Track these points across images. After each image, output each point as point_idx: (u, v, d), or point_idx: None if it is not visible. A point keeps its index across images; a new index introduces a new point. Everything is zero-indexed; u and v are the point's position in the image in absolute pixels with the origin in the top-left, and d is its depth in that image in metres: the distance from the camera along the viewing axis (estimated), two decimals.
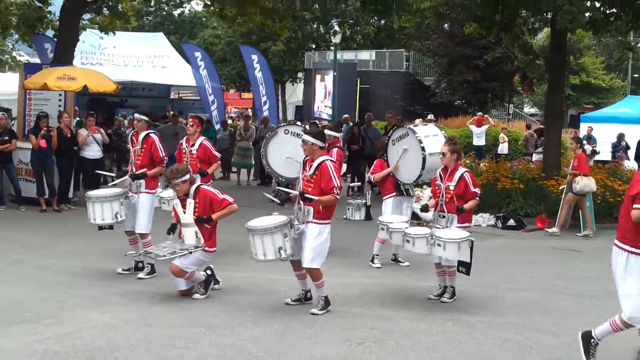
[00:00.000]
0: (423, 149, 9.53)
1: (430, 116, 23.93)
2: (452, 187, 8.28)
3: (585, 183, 13.50)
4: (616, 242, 6.08)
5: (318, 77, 37.36)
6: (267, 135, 11.18)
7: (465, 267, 7.99)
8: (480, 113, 27.91)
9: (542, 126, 23.80)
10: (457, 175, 8.30)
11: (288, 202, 8.48)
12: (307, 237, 7.73)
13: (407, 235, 8.32)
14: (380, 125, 22.66)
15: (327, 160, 7.84)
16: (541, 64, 20.10)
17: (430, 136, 9.82)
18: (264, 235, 7.63)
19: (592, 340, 6.30)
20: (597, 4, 15.25)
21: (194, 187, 8.28)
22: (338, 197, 7.80)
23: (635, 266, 5.93)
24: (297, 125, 10.93)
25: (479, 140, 25.04)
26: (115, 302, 8.07)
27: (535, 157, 20.24)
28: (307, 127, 10.62)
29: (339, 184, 7.76)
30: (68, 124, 14.98)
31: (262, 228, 7.64)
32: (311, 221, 7.74)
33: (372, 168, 10.93)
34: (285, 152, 10.63)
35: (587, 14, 14.58)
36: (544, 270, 10.74)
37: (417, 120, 10.54)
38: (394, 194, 10.56)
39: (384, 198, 10.75)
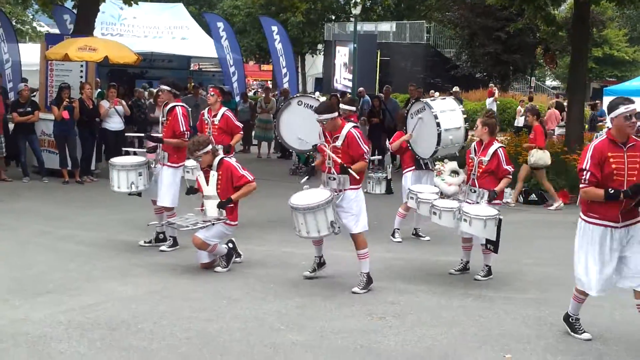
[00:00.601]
0: (438, 124, 9.36)
1: (456, 89, 23.78)
2: (485, 162, 8.22)
3: (540, 156, 13.54)
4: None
5: (338, 48, 37.15)
6: (281, 106, 11.13)
7: (492, 244, 7.95)
8: (491, 84, 27.80)
9: (558, 100, 23.67)
10: (491, 150, 8.24)
11: (313, 174, 8.44)
12: (349, 204, 7.74)
13: (434, 207, 8.24)
14: (401, 98, 22.57)
15: (351, 128, 7.83)
16: (564, 35, 19.84)
17: (447, 111, 9.64)
18: (317, 211, 7.54)
19: (570, 318, 6.58)
20: None
21: (217, 159, 8.30)
22: (367, 160, 7.92)
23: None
24: (311, 96, 10.86)
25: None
26: (138, 274, 8.15)
27: (557, 131, 20.08)
28: (318, 99, 10.48)
29: (367, 149, 7.87)
30: (90, 95, 15.03)
31: (315, 205, 7.52)
32: (349, 188, 7.76)
33: (391, 139, 10.82)
34: (298, 124, 10.55)
35: None
36: (566, 245, 10.54)
37: (436, 94, 10.37)
38: (413, 167, 10.48)
39: (403, 172, 10.69)
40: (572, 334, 6.49)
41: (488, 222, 7.76)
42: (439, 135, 9.37)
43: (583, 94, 17.78)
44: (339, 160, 7.68)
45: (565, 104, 25.09)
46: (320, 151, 8.09)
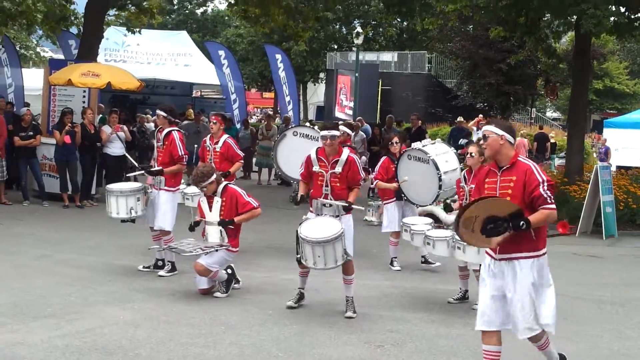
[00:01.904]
0: (437, 167, 9.42)
1: (460, 119, 23.92)
2: None
3: None
4: None
5: (340, 77, 37.34)
6: (277, 138, 11.18)
7: None
8: (481, 115, 27.86)
9: (542, 131, 23.77)
10: None
11: (304, 201, 8.44)
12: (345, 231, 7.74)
13: (428, 237, 8.33)
14: (402, 127, 22.68)
15: (350, 153, 7.93)
16: (565, 67, 20.00)
17: (441, 154, 9.72)
18: (336, 243, 7.47)
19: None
20: (622, 9, 15.14)
21: (222, 185, 8.33)
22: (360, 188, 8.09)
23: None
24: (306, 126, 10.92)
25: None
26: (137, 299, 8.13)
27: (557, 162, 20.13)
28: (315, 127, 10.53)
29: (363, 175, 8.05)
30: (92, 120, 15.10)
31: (332, 237, 7.44)
32: (344, 215, 7.84)
33: (376, 169, 10.41)
34: (295, 155, 10.57)
35: (611, 19, 14.49)
36: (565, 275, 10.64)
37: (425, 141, 10.31)
38: (394, 198, 10.34)
39: (383, 202, 10.60)
40: None
41: (481, 250, 7.75)
42: (440, 178, 9.40)
43: (584, 126, 17.87)
44: (344, 203, 7.80)
45: (551, 135, 25.32)
46: (313, 176, 8.01)
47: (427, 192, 9.76)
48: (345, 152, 7.88)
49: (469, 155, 8.48)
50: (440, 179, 9.41)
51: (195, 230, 8.64)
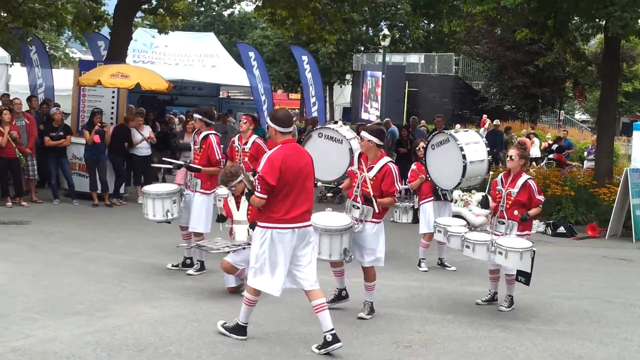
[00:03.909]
0: (464, 156, 9.27)
1: (497, 122, 23.84)
2: (514, 194, 8.20)
3: None
4: None
5: (367, 79, 37.34)
6: (302, 139, 11.17)
7: (524, 277, 7.91)
8: (485, 116, 27.67)
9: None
10: (520, 182, 8.21)
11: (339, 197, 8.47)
12: (366, 236, 7.72)
13: (467, 240, 8.12)
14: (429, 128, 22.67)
15: (390, 162, 7.81)
16: (593, 70, 19.83)
17: (472, 143, 9.62)
18: (333, 235, 7.56)
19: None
20: None
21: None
22: (396, 200, 7.88)
23: None
24: (331, 128, 10.91)
25: None
26: (165, 297, 8.19)
27: (586, 164, 19.99)
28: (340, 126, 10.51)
29: (400, 188, 7.85)
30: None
31: (335, 228, 7.56)
32: (370, 220, 7.75)
33: (409, 174, 10.64)
34: (319, 155, 10.55)
35: (639, 21, 14.35)
36: (595, 278, 10.60)
37: (457, 126, 10.34)
38: (432, 198, 10.46)
39: (420, 203, 10.66)
40: None
41: (524, 254, 7.68)
42: (465, 167, 9.32)
43: (613, 129, 17.69)
44: (369, 190, 7.67)
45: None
46: (350, 176, 8.09)
47: (450, 178, 9.65)
48: (384, 160, 7.78)
49: (508, 158, 8.42)
50: (464, 168, 9.30)
51: (224, 225, 8.68)
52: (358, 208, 7.79)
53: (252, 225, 8.14)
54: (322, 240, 7.59)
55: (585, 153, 24.37)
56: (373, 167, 7.75)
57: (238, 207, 8.40)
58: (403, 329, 7.43)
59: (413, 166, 10.66)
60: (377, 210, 7.65)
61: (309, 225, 6.66)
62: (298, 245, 6.57)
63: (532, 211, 8.24)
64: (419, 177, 10.39)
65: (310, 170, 6.68)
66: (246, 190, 6.83)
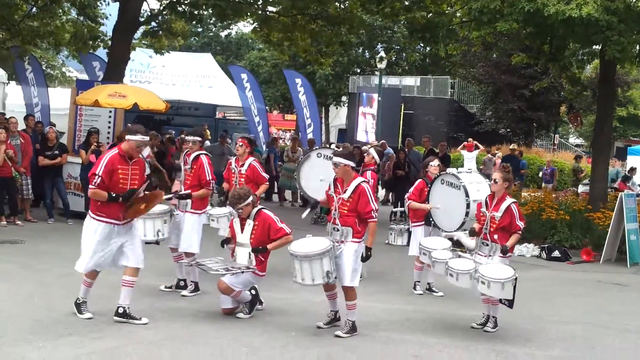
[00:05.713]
0: (467, 194, 9.52)
1: (513, 146, 23.91)
2: (497, 217, 8.25)
3: None
4: None
5: (362, 101, 37.45)
6: (300, 159, 11.25)
7: (508, 300, 7.97)
8: (470, 139, 27.69)
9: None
10: (503, 206, 8.27)
11: (315, 208, 8.55)
12: (346, 256, 7.81)
13: (450, 269, 8.28)
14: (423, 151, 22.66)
15: (363, 182, 7.94)
16: (588, 95, 19.93)
17: (474, 183, 9.84)
18: (313, 260, 7.63)
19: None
20: None
21: (255, 209, 8.36)
22: (376, 219, 7.90)
23: None
24: (330, 148, 10.98)
25: (469, 164, 24.58)
26: (160, 319, 8.15)
27: (581, 188, 20.03)
28: (336, 149, 10.60)
29: (376, 207, 7.91)
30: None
31: (313, 253, 7.64)
32: (350, 241, 7.84)
33: (411, 191, 10.55)
34: (319, 175, 10.65)
35: (637, 47, 14.46)
36: (589, 303, 10.60)
37: (462, 169, 10.52)
38: (423, 223, 10.45)
39: (412, 225, 10.67)
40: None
41: (506, 284, 7.78)
42: (467, 205, 9.43)
43: (608, 153, 17.77)
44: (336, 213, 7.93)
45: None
46: (328, 198, 8.20)
47: (453, 219, 9.80)
48: (357, 180, 7.93)
49: (492, 182, 8.47)
50: (467, 206, 9.42)
51: (225, 247, 8.68)
52: (338, 230, 7.87)
53: (255, 250, 8.17)
54: (303, 267, 7.69)
55: (540, 174, 24.41)
56: (348, 188, 7.87)
57: (242, 230, 8.38)
58: (399, 353, 7.42)
59: (416, 184, 10.57)
60: (358, 230, 7.85)
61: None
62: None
63: (510, 242, 8.32)
64: (425, 201, 10.29)
65: None
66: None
